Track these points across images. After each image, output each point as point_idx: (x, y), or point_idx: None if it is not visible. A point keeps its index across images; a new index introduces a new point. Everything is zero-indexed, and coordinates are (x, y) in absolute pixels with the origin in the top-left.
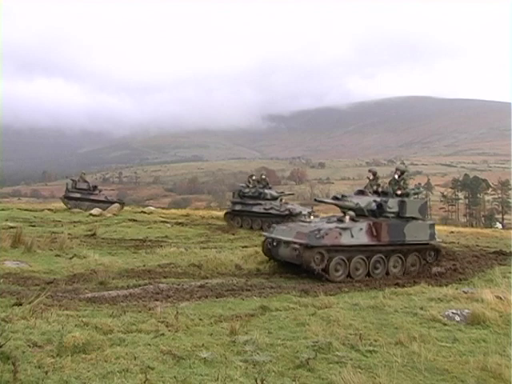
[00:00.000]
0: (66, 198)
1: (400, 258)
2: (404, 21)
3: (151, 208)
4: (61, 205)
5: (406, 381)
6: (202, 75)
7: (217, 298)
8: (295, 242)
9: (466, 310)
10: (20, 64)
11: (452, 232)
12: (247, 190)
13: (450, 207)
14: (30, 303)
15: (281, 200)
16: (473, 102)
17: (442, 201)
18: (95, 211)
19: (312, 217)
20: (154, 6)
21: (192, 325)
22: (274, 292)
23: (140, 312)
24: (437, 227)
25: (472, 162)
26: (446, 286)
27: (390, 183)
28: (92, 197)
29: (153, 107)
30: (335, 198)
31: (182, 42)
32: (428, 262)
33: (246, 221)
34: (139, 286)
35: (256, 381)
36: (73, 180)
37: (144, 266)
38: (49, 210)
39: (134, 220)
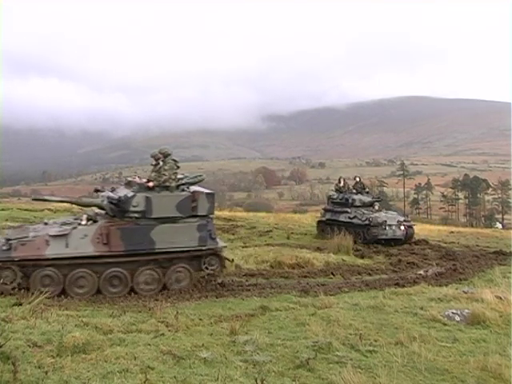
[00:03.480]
0: None
1: (155, 271)
2: (401, 22)
3: None
4: (60, 204)
5: (406, 381)
6: (201, 75)
7: (217, 298)
8: None
9: (466, 310)
10: (17, 65)
11: (452, 232)
12: (335, 196)
13: (450, 207)
14: (29, 303)
15: (373, 206)
16: (473, 102)
17: (442, 201)
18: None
19: (390, 227)
20: (154, 7)
21: (192, 325)
22: (274, 292)
23: (140, 312)
24: (437, 227)
25: (472, 162)
26: (446, 286)
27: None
28: None
29: (152, 107)
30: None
31: (180, 43)
32: (209, 274)
33: (336, 232)
34: None
35: (256, 381)
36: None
37: None
38: (49, 210)
39: None
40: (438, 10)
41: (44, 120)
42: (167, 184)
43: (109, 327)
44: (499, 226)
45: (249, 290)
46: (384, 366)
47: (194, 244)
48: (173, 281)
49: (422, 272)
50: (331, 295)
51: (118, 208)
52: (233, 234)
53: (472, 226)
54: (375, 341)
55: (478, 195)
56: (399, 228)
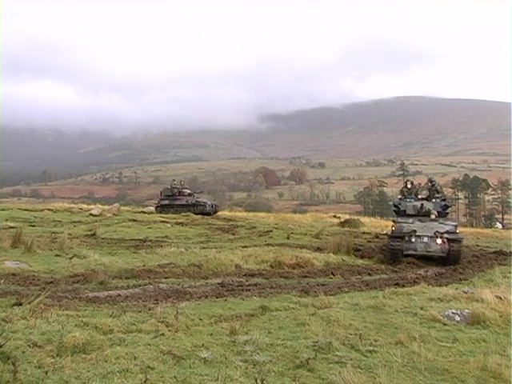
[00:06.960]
0: (159, 207)
1: None
2: (400, 23)
3: (151, 208)
4: (60, 204)
5: (405, 381)
6: (201, 75)
7: (217, 298)
8: None
9: (466, 310)
10: (14, 64)
11: None
12: (391, 202)
13: (450, 207)
14: (29, 303)
15: (429, 215)
16: (473, 102)
17: None
18: (95, 211)
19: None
20: (154, 6)
21: (192, 325)
22: (273, 292)
23: (140, 312)
24: None
25: (472, 162)
26: (446, 286)
27: None
28: (177, 202)
29: (153, 107)
30: None
31: (179, 43)
32: None
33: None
34: (139, 285)
35: (256, 381)
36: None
37: (144, 265)
38: (49, 210)
39: (134, 220)
40: (438, 10)
41: (44, 120)
42: None
43: (109, 327)
44: (499, 225)
45: (249, 290)
46: (384, 365)
47: None
48: None
49: (421, 272)
50: (331, 295)
51: None
52: (233, 234)
53: (472, 226)
54: (375, 341)
55: (478, 195)
56: (435, 242)
